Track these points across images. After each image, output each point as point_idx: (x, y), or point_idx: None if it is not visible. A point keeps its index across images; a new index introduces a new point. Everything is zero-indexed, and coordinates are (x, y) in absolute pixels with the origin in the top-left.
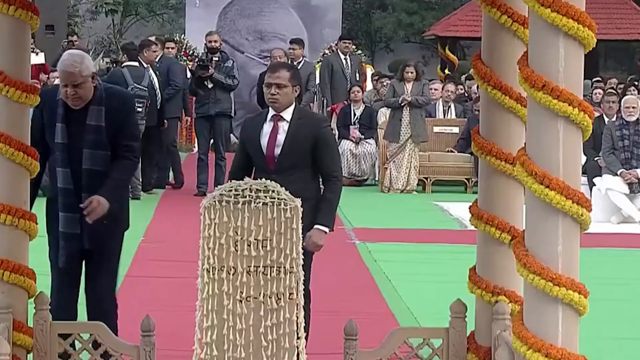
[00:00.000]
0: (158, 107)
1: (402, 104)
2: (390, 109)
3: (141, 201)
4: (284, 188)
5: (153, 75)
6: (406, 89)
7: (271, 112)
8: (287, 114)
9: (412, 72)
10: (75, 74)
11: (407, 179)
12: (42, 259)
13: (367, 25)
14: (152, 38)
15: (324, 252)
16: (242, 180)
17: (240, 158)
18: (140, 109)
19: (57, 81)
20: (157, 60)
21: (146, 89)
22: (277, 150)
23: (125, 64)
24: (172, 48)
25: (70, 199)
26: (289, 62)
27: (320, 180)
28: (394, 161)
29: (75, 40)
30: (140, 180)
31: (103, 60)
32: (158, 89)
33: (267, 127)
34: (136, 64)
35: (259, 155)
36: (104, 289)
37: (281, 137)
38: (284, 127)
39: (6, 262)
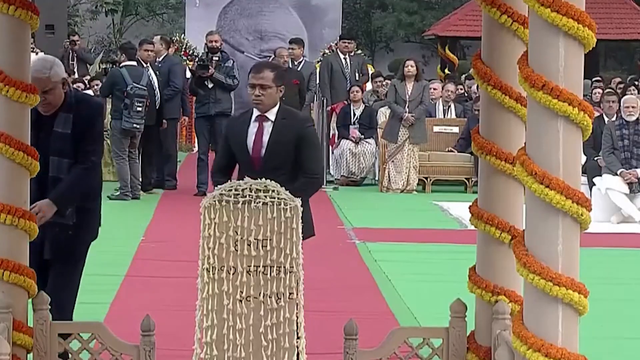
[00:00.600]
0: (157, 107)
1: (406, 121)
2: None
3: (141, 201)
4: None
5: (152, 74)
6: (407, 89)
7: (256, 113)
8: (272, 115)
9: (412, 66)
10: (44, 80)
11: (407, 178)
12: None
13: (367, 25)
14: (157, 38)
15: (324, 251)
16: (225, 178)
17: (223, 156)
18: (140, 108)
19: None
20: (161, 59)
21: (145, 88)
22: (263, 151)
23: (123, 63)
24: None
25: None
26: (291, 61)
27: None
28: (392, 161)
29: (77, 40)
30: (140, 180)
31: (101, 65)
32: (157, 89)
33: (253, 128)
34: (134, 63)
35: (244, 156)
36: (63, 305)
37: (266, 138)
38: (268, 127)
39: (6, 261)
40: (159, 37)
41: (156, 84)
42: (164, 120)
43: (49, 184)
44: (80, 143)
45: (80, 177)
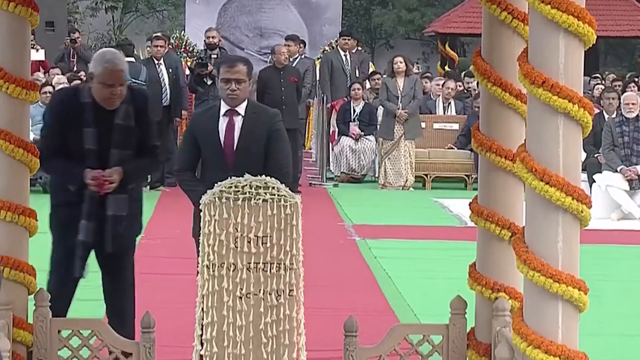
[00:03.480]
0: (167, 103)
1: (399, 118)
2: None
3: None
4: None
5: (163, 70)
6: (398, 85)
7: (225, 107)
8: (241, 109)
9: (401, 62)
10: (125, 71)
11: (405, 175)
12: (42, 256)
13: (367, 21)
14: (159, 34)
15: (324, 248)
16: (194, 175)
17: (189, 152)
18: None
19: (56, 78)
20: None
21: (144, 84)
22: (235, 146)
23: None
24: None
25: (95, 206)
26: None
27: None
28: (389, 158)
29: (78, 37)
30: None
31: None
32: (167, 85)
33: (223, 122)
34: (132, 59)
35: (215, 151)
36: (127, 305)
37: (237, 133)
38: (239, 122)
39: (6, 258)
40: (159, 34)
41: (166, 80)
42: (176, 118)
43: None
44: (143, 134)
45: (147, 163)
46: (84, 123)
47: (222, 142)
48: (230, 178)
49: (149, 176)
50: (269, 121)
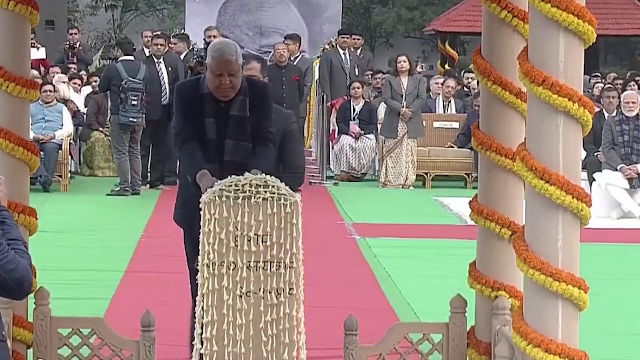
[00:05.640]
0: (167, 102)
1: (404, 116)
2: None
3: (141, 197)
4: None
5: (163, 69)
6: (402, 84)
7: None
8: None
9: (404, 61)
10: (234, 62)
11: (405, 174)
12: (42, 255)
13: (367, 20)
14: (159, 33)
15: (324, 246)
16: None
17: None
18: (135, 102)
19: (57, 77)
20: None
21: (141, 82)
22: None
23: (120, 58)
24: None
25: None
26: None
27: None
28: (390, 156)
29: (75, 34)
30: (140, 175)
31: (101, 60)
32: (167, 84)
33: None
34: (131, 58)
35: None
36: None
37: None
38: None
39: None
40: (159, 33)
41: (166, 79)
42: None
43: (224, 168)
44: (259, 126)
45: (267, 157)
46: (204, 114)
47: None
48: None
49: (149, 174)
50: (284, 122)
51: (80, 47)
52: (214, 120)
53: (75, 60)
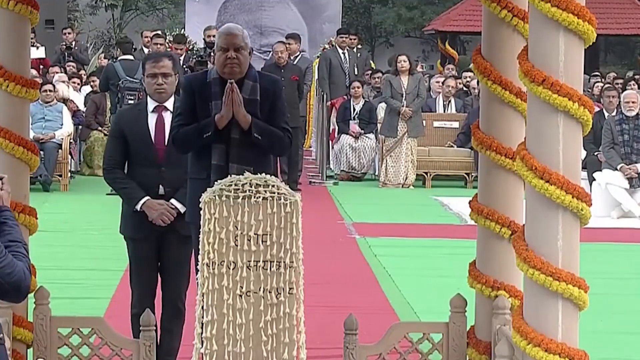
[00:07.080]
0: None
1: (404, 115)
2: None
3: None
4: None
5: None
6: (403, 83)
7: (153, 103)
8: (170, 104)
9: (405, 61)
10: (239, 37)
11: (405, 173)
12: (42, 254)
13: (367, 19)
14: (159, 33)
15: (324, 246)
16: (122, 172)
17: (118, 151)
18: (131, 101)
19: (56, 76)
20: None
21: (138, 81)
22: (166, 141)
23: (119, 58)
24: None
25: (223, 176)
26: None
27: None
28: (390, 155)
29: (69, 33)
30: None
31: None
32: None
33: (152, 119)
34: (130, 57)
35: (146, 148)
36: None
37: (168, 128)
38: (168, 117)
39: None
40: (158, 32)
41: None
42: None
43: (231, 145)
44: (272, 116)
45: (279, 136)
46: (211, 97)
47: (152, 138)
48: (161, 173)
49: None
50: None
51: (76, 48)
52: (222, 102)
53: (72, 60)
